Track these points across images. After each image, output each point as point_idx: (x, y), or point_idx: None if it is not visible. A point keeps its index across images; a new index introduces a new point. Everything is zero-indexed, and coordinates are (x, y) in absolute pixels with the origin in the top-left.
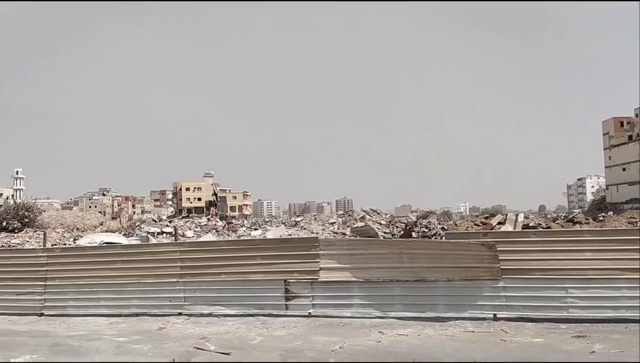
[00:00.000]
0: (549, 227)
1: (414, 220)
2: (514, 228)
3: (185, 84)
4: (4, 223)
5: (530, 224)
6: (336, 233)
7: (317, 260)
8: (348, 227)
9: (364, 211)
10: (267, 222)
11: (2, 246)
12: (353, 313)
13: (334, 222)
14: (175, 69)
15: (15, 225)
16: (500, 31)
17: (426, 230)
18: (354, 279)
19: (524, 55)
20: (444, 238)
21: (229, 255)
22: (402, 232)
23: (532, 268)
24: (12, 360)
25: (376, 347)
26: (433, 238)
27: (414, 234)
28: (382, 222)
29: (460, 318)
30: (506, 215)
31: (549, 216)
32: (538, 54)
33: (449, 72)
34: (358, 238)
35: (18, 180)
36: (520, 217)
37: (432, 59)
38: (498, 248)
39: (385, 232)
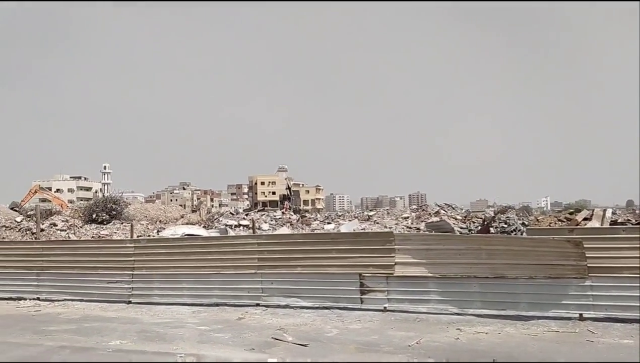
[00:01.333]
0: (639, 224)
1: (492, 215)
2: (601, 225)
3: (261, 80)
4: (94, 216)
5: (619, 220)
6: (410, 228)
7: (392, 255)
8: (422, 221)
9: (438, 206)
10: (339, 216)
11: (93, 237)
12: (429, 309)
13: (408, 217)
14: (252, 65)
15: (104, 217)
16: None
17: (505, 226)
18: (430, 275)
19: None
20: (524, 234)
21: (304, 248)
22: (479, 228)
23: (621, 266)
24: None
25: (454, 344)
26: (513, 234)
27: (492, 230)
28: (458, 217)
29: (543, 318)
30: (592, 210)
31: (637, 211)
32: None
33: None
34: (434, 233)
35: (106, 175)
36: (608, 213)
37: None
38: (585, 246)
39: (461, 228)
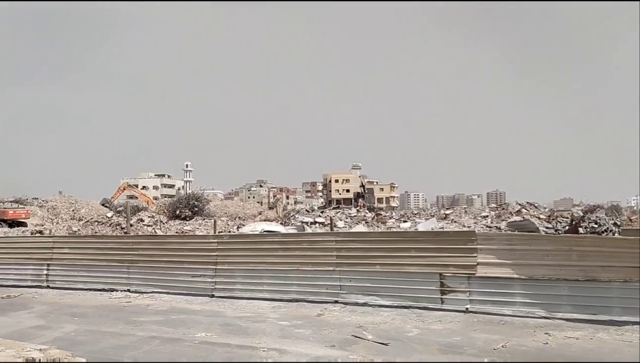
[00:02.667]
0: None
1: (580, 214)
2: None
3: (336, 77)
4: (178, 212)
5: None
6: (489, 227)
7: (474, 255)
8: (502, 221)
9: (520, 204)
10: (415, 214)
11: (177, 232)
12: (514, 311)
13: (487, 216)
14: (326, 62)
15: (186, 214)
16: None
17: (595, 226)
18: (515, 276)
19: None
20: (617, 234)
21: (383, 246)
22: (567, 228)
23: None
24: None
25: (543, 349)
26: (604, 235)
27: (580, 230)
28: (541, 216)
29: (638, 323)
30: None
31: None
32: None
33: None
34: (518, 233)
35: (188, 173)
36: None
37: None
38: None
39: (547, 227)
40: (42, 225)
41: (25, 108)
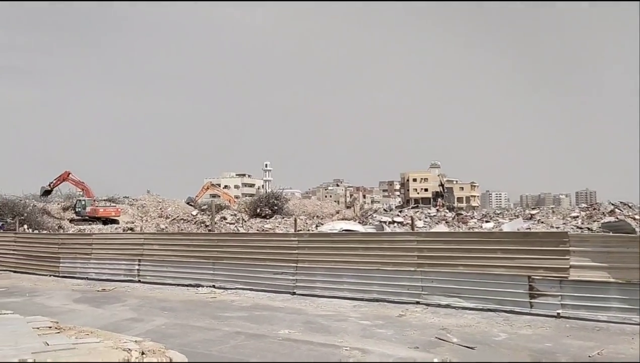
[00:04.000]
0: None
1: None
2: None
3: (410, 76)
4: (258, 210)
5: None
6: (580, 228)
7: (566, 257)
8: (594, 221)
9: (613, 204)
10: (497, 214)
11: (257, 230)
12: (610, 317)
13: (577, 216)
14: (400, 61)
15: (267, 212)
16: None
17: None
18: (611, 280)
19: None
20: None
21: (466, 247)
22: None
23: None
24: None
25: None
26: None
27: None
28: (636, 216)
29: None
30: None
31: None
32: None
33: None
34: (614, 234)
35: (267, 172)
36: None
37: None
38: None
39: None
40: (133, 223)
41: (115, 113)
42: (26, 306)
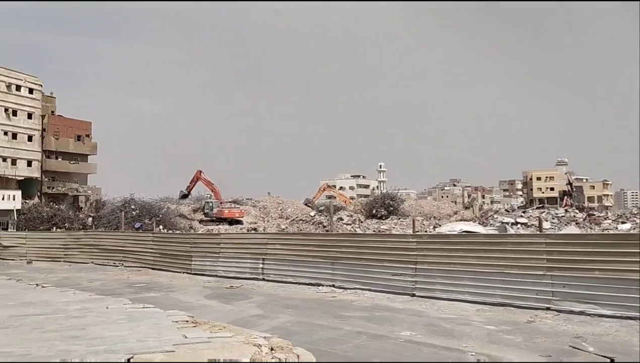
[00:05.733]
0: None
1: None
2: None
3: (527, 70)
4: (374, 211)
5: None
6: None
7: None
8: None
9: None
10: (635, 214)
11: (374, 231)
12: None
13: None
14: (516, 57)
15: (382, 213)
16: None
17: None
18: None
19: None
20: None
21: (602, 250)
22: None
23: None
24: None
25: None
26: None
27: None
28: None
29: None
30: None
31: None
32: None
33: None
34: None
35: (381, 173)
36: None
37: None
38: None
39: None
40: (255, 223)
41: (240, 118)
42: (164, 301)
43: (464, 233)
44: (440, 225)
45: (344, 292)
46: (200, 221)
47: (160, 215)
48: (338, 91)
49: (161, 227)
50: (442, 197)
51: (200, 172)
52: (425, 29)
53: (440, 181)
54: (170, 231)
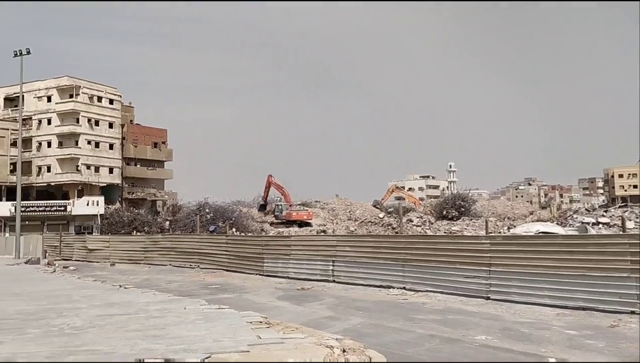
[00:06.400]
0: None
1: None
2: None
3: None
4: (444, 212)
5: None
6: None
7: None
8: None
9: None
10: None
11: (445, 232)
12: None
13: None
14: (592, 50)
15: (453, 214)
16: None
17: None
18: None
19: None
20: None
21: None
22: None
23: None
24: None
25: None
26: None
27: None
28: None
29: None
30: None
31: None
32: None
33: None
34: None
35: (452, 173)
36: None
37: None
38: None
39: None
40: (325, 225)
41: (306, 121)
42: (238, 302)
43: (540, 234)
44: (514, 226)
45: (415, 295)
46: (271, 223)
47: (233, 218)
48: (405, 91)
49: (234, 229)
50: (517, 196)
51: (271, 176)
52: (490, 29)
53: (514, 180)
54: (243, 234)
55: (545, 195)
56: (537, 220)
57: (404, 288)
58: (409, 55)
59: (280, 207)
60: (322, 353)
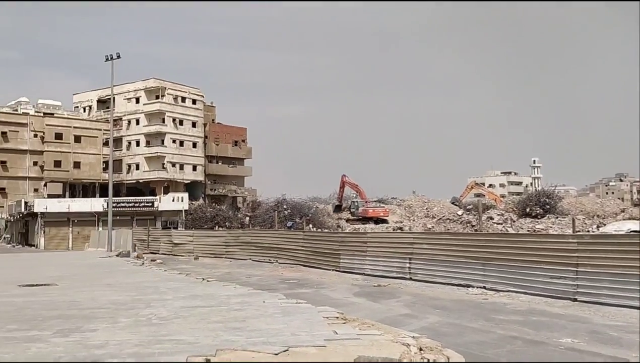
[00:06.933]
0: None
1: None
2: None
3: None
4: (527, 209)
5: None
6: None
7: None
8: None
9: None
10: None
11: (528, 231)
12: None
13: None
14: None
15: (537, 211)
16: None
17: None
18: None
19: None
20: None
21: None
22: None
23: None
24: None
25: None
26: None
27: None
28: None
29: None
30: None
31: None
32: None
33: None
34: None
35: (536, 169)
36: None
37: None
38: None
39: None
40: (401, 222)
41: (381, 117)
42: (315, 297)
43: (632, 233)
44: (604, 224)
45: (496, 294)
46: (347, 220)
47: (310, 215)
48: (483, 83)
49: (311, 225)
50: (607, 193)
51: (345, 176)
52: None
53: (604, 176)
54: (319, 230)
55: (639, 191)
56: (629, 219)
57: (484, 287)
58: (484, 46)
59: (356, 203)
60: (398, 351)
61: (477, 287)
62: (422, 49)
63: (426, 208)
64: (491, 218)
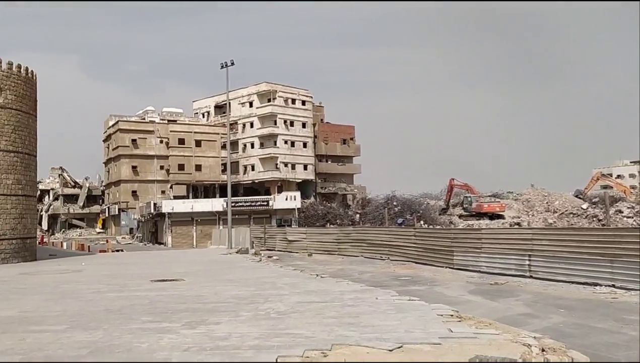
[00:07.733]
0: None
1: None
2: None
3: None
4: None
5: None
6: None
7: None
8: None
9: None
10: None
11: None
12: None
13: None
14: None
15: None
16: None
17: None
18: None
19: None
20: None
21: None
22: None
23: None
24: None
25: None
26: None
27: None
28: None
29: None
30: None
31: None
32: None
33: None
34: None
35: None
36: None
37: None
38: None
39: None
40: (519, 217)
41: (492, 110)
42: (428, 294)
43: None
44: None
45: (627, 294)
46: (460, 216)
47: (421, 211)
48: (608, 66)
49: (422, 222)
50: None
51: (453, 179)
52: None
53: None
54: (431, 226)
55: None
56: None
57: (613, 286)
58: (614, 31)
59: (469, 199)
60: (518, 351)
61: (605, 286)
62: (543, 33)
63: (546, 203)
64: (620, 211)
